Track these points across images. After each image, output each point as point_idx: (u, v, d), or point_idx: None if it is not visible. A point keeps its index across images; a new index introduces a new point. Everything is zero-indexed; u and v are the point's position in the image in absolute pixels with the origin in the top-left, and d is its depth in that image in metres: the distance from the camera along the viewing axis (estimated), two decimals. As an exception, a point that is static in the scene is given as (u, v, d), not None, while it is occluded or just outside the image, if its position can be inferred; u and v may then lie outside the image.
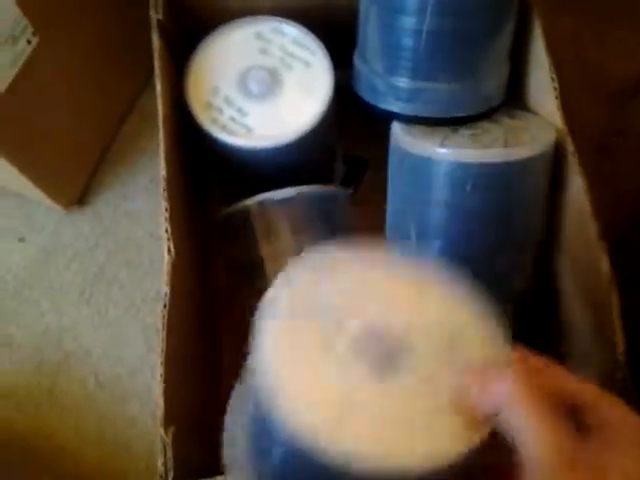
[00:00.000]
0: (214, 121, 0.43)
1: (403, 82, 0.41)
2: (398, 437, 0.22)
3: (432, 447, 0.22)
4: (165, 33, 0.44)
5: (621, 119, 0.57)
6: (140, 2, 0.44)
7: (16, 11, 0.42)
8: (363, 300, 0.25)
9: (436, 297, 0.26)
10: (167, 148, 0.40)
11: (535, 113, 0.45)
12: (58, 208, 0.55)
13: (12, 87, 0.44)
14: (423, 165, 0.41)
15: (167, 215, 0.38)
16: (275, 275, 0.42)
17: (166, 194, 0.38)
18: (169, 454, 0.32)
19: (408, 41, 0.40)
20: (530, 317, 0.44)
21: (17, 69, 0.44)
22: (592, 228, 0.36)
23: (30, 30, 0.44)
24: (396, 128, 0.43)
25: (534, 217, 0.42)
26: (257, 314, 0.25)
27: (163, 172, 0.39)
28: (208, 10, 0.46)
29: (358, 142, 0.53)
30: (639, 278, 0.46)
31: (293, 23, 0.45)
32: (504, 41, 0.42)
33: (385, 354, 0.24)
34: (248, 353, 0.25)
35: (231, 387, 0.48)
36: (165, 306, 0.35)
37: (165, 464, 0.32)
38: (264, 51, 0.44)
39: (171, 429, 0.32)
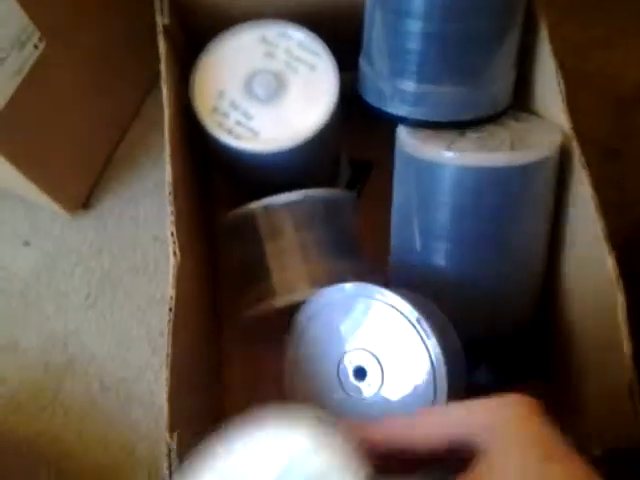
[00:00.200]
0: (220, 125, 0.43)
1: (409, 85, 0.41)
2: None
3: None
4: (171, 38, 0.44)
5: (628, 123, 0.57)
6: (145, 7, 0.44)
7: (23, 17, 0.42)
8: None
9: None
10: (172, 152, 0.40)
11: (541, 116, 0.45)
12: (63, 212, 0.55)
13: (18, 92, 0.44)
14: (429, 169, 0.40)
15: (172, 219, 0.38)
16: (279, 277, 0.42)
17: (171, 198, 0.38)
18: (174, 459, 0.32)
19: (414, 44, 0.40)
20: (536, 318, 0.44)
21: (24, 75, 0.44)
22: (598, 231, 0.36)
23: (37, 35, 0.44)
24: (402, 132, 0.43)
25: (540, 220, 0.42)
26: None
27: (168, 176, 0.39)
28: (213, 15, 0.46)
29: (363, 145, 0.53)
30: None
31: (299, 26, 0.45)
32: (511, 44, 0.42)
33: None
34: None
35: (235, 391, 0.48)
36: (171, 310, 0.35)
37: (170, 468, 0.32)
38: (270, 55, 0.45)
39: (176, 433, 0.32)
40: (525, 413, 0.23)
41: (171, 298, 0.36)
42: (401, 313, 0.36)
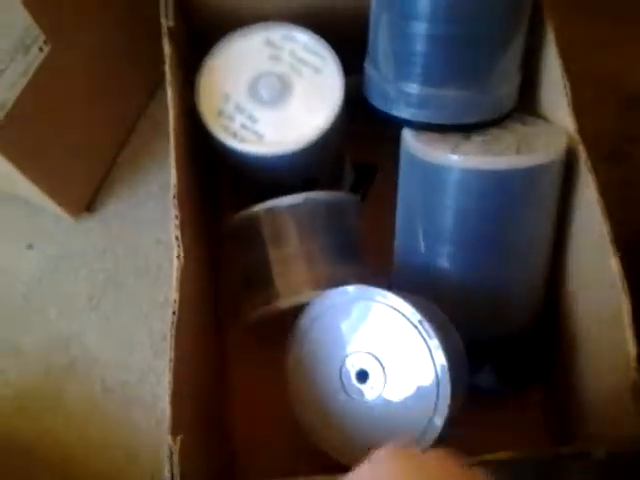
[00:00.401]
0: (225, 128, 0.43)
1: (414, 88, 0.41)
2: None
3: None
4: (175, 40, 0.44)
5: (633, 126, 0.57)
6: (150, 9, 0.44)
7: (28, 19, 0.42)
8: None
9: None
10: (177, 155, 0.40)
11: (547, 119, 0.44)
12: (67, 215, 0.55)
13: (22, 95, 0.44)
14: (434, 172, 0.40)
15: (177, 223, 0.38)
16: (283, 280, 0.42)
17: (176, 202, 0.38)
18: (176, 462, 0.32)
19: (419, 47, 0.40)
20: (539, 320, 0.44)
21: (29, 78, 0.44)
22: (604, 234, 0.36)
23: (42, 38, 0.44)
24: (407, 135, 0.43)
25: (545, 223, 0.42)
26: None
27: (173, 179, 0.39)
28: (218, 17, 0.46)
29: (367, 148, 0.53)
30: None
31: (304, 29, 0.44)
32: (516, 47, 0.41)
33: None
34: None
35: (239, 395, 0.47)
36: (174, 313, 0.35)
37: (172, 472, 0.32)
38: (274, 57, 0.44)
39: (179, 437, 0.32)
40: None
41: (175, 301, 0.36)
42: (403, 315, 0.36)
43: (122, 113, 0.58)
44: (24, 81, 0.44)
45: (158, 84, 0.57)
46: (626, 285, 0.34)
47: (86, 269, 0.54)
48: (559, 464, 0.34)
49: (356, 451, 0.37)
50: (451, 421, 0.35)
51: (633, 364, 0.33)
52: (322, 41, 0.44)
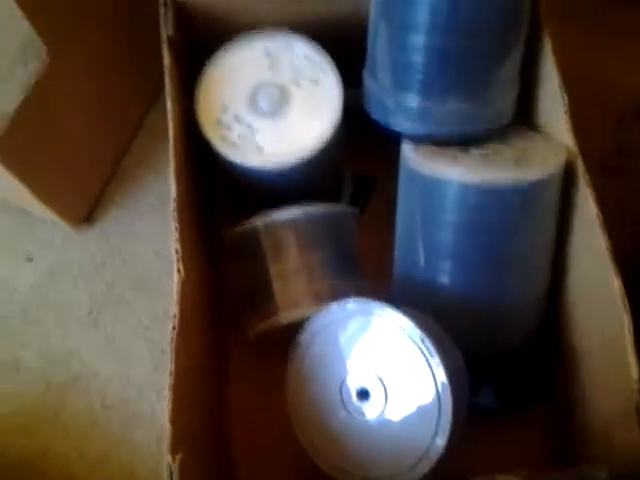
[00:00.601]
0: (223, 139, 0.43)
1: (413, 100, 0.41)
2: None
3: None
4: (175, 49, 0.44)
5: (631, 139, 0.57)
6: (149, 19, 0.44)
7: (28, 30, 0.42)
8: None
9: None
10: (177, 167, 0.40)
11: (545, 133, 0.44)
12: (66, 227, 0.55)
13: (22, 106, 0.44)
14: (433, 185, 0.40)
15: (177, 235, 0.38)
16: (283, 294, 0.42)
17: (176, 214, 0.38)
18: (176, 480, 0.31)
19: (418, 58, 0.39)
20: (540, 338, 0.44)
21: (29, 89, 0.44)
22: (603, 249, 0.36)
23: (43, 49, 0.44)
24: (406, 147, 0.43)
25: (544, 237, 0.42)
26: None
27: (173, 192, 0.39)
28: (218, 27, 0.46)
29: (366, 160, 0.53)
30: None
31: (303, 39, 0.44)
32: (514, 59, 0.42)
33: None
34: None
35: (240, 411, 0.47)
36: (174, 328, 0.35)
37: (172, 490, 0.31)
38: (273, 68, 0.44)
39: (178, 456, 0.31)
40: None
41: (174, 316, 0.35)
42: (404, 331, 0.36)
43: (122, 123, 0.58)
44: (24, 92, 0.44)
45: (158, 94, 0.57)
46: (627, 303, 0.34)
47: (85, 281, 0.54)
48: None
49: (357, 470, 0.37)
50: (453, 440, 0.35)
51: (636, 384, 0.32)
52: (322, 52, 0.44)
